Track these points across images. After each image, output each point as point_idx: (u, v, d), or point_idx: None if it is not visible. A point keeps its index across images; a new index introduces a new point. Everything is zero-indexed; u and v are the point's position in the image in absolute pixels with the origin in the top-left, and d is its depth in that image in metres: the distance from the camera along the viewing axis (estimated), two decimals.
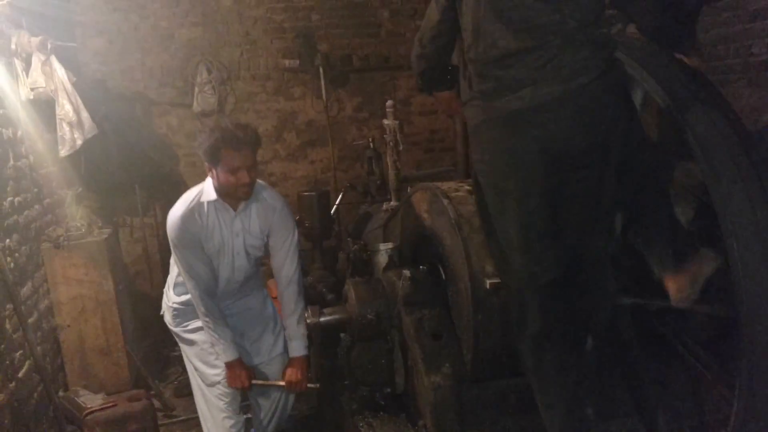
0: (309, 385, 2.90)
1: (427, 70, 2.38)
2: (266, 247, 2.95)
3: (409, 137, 5.65)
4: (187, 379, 4.68)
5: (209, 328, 2.86)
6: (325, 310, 2.79)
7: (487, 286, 2.34)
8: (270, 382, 2.97)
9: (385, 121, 3.80)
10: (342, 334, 2.83)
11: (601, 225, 2.07)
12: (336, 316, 2.74)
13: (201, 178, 5.90)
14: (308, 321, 2.75)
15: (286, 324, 2.95)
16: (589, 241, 2.06)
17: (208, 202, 2.77)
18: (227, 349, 2.86)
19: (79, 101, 3.97)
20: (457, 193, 2.59)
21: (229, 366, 2.89)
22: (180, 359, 5.08)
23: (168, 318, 3.18)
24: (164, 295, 3.19)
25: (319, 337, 2.78)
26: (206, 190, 2.80)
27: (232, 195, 2.75)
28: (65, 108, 3.86)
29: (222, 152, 2.62)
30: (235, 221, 2.83)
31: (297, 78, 6.12)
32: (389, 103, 3.82)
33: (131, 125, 5.64)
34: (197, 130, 2.76)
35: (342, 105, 6.29)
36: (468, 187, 2.62)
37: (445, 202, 2.53)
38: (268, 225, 2.89)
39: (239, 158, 2.65)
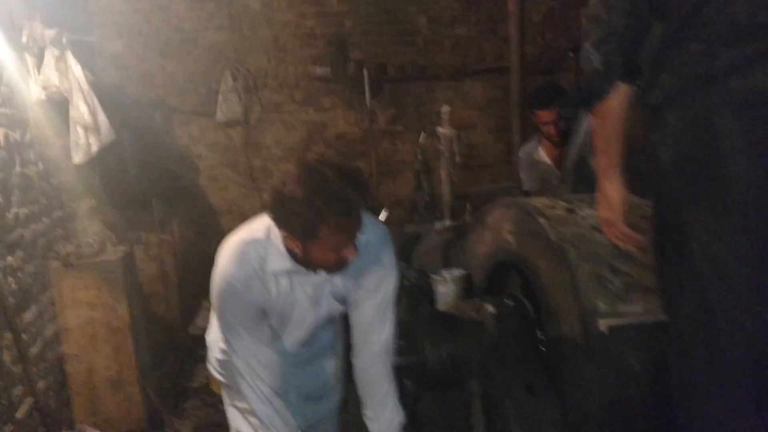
0: None
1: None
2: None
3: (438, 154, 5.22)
4: (209, 414, 4.22)
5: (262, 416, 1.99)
6: None
7: (603, 329, 1.86)
8: None
9: (440, 129, 3.35)
10: (406, 381, 2.35)
11: None
12: (403, 359, 2.26)
13: (223, 193, 5.67)
14: None
15: (371, 417, 2.08)
16: None
17: (277, 273, 1.88)
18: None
19: (96, 103, 3.55)
20: (554, 211, 2.12)
21: None
22: (200, 391, 4.64)
23: (216, 367, 2.32)
24: (210, 340, 2.32)
25: None
26: (271, 247, 1.85)
27: (319, 268, 1.87)
28: (80, 110, 3.43)
29: (322, 230, 1.68)
30: (318, 287, 1.96)
31: (327, 87, 5.71)
32: (445, 108, 3.37)
33: (150, 134, 5.23)
34: (279, 192, 1.70)
35: (374, 117, 5.86)
36: (567, 205, 2.16)
37: (543, 221, 2.06)
38: (361, 271, 1.94)
39: (349, 230, 1.73)
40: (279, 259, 1.85)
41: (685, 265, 1.55)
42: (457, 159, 3.34)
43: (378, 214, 3.82)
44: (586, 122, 2.94)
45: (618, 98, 1.73)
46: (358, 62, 5.60)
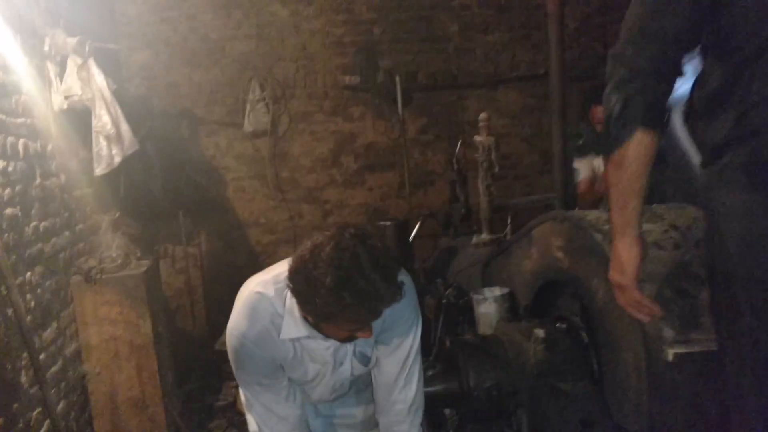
0: None
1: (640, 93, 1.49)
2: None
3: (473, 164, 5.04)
4: None
5: None
6: (428, 379, 2.12)
7: (670, 358, 1.65)
8: None
9: (477, 138, 3.18)
10: (447, 411, 2.16)
11: None
12: (443, 386, 2.07)
13: (251, 205, 5.53)
14: None
15: None
16: None
17: (293, 340, 1.76)
18: None
19: (119, 112, 3.42)
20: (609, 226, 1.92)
21: None
22: (226, 410, 4.49)
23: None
24: None
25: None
26: (286, 311, 1.71)
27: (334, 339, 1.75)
28: (103, 119, 3.31)
29: (342, 318, 1.57)
30: (337, 350, 1.82)
31: (356, 97, 5.56)
32: (483, 116, 3.20)
33: (176, 145, 5.13)
34: (306, 271, 1.53)
35: (405, 126, 5.69)
36: None
37: (599, 237, 1.86)
38: (383, 327, 1.79)
39: (368, 320, 1.62)
40: (293, 326, 1.72)
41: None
42: (496, 169, 3.16)
43: (411, 230, 3.65)
44: None
45: (637, 147, 1.50)
46: (388, 70, 5.46)
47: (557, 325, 1.97)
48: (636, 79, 1.48)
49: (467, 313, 2.52)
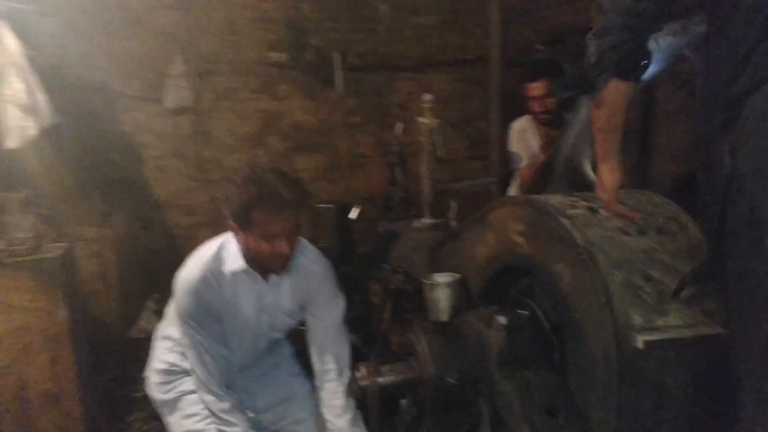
0: None
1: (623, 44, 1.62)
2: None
3: (408, 147, 4.98)
4: (153, 430, 3.85)
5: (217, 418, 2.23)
6: (384, 368, 2.02)
7: (640, 345, 1.63)
8: None
9: (421, 120, 3.09)
10: (403, 401, 2.08)
11: None
12: (401, 377, 1.99)
13: (170, 185, 5.25)
14: (362, 383, 1.98)
15: (332, 426, 2.30)
16: None
17: (233, 273, 2.18)
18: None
19: (35, 81, 3.11)
20: (575, 211, 1.89)
21: None
22: (146, 401, 4.22)
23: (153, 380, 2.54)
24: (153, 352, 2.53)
25: (378, 406, 2.01)
26: (229, 253, 2.20)
27: (263, 266, 2.17)
28: (14, 87, 3.01)
29: (254, 215, 2.02)
30: (264, 294, 2.26)
31: (284, 75, 5.36)
32: (427, 96, 3.11)
33: (90, 120, 4.79)
34: (226, 180, 2.24)
35: (333, 107, 5.55)
36: (587, 204, 1.93)
37: (566, 222, 1.82)
38: (305, 296, 2.31)
39: (279, 223, 2.04)
40: (234, 260, 2.18)
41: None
42: (439, 153, 3.09)
43: (348, 210, 3.54)
44: (580, 122, 2.75)
45: (613, 93, 1.70)
46: (317, 49, 5.31)
47: (519, 312, 1.92)
48: (609, 32, 1.61)
49: (417, 299, 2.44)
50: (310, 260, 2.30)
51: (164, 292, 5.05)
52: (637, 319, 1.68)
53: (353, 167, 5.61)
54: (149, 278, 4.99)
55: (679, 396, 1.70)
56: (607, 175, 1.83)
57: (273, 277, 2.24)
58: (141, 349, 4.82)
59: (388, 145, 5.76)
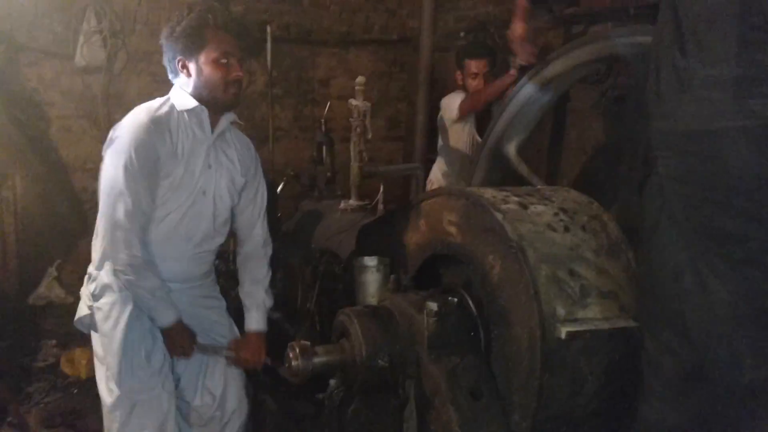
0: (266, 360, 2.44)
1: None
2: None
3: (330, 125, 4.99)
4: (60, 400, 3.74)
5: (141, 287, 2.18)
6: (318, 349, 2.06)
7: (563, 336, 1.75)
8: (217, 345, 2.45)
9: (353, 101, 3.11)
10: (331, 381, 2.13)
11: None
12: (334, 357, 2.03)
13: (77, 147, 5.02)
14: (296, 363, 2.01)
15: (247, 291, 2.50)
16: None
17: (183, 112, 2.22)
18: (167, 309, 2.25)
19: None
20: (507, 206, 1.98)
21: (169, 332, 2.28)
22: (46, 371, 4.07)
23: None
24: (87, 284, 2.32)
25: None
26: (177, 98, 2.24)
27: (217, 97, 2.22)
28: None
29: (208, 33, 2.17)
30: (211, 150, 2.30)
31: None
32: (360, 79, 3.13)
33: None
34: (167, 22, 2.30)
35: (253, 78, 5.45)
36: (519, 200, 2.02)
37: (498, 216, 1.91)
38: (247, 166, 2.45)
39: (232, 41, 2.22)
40: (183, 101, 2.21)
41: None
42: (369, 135, 3.13)
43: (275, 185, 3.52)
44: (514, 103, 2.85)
45: None
46: (240, 16, 5.16)
47: (449, 298, 2.00)
48: None
49: (344, 280, 2.49)
50: (244, 138, 2.51)
51: (67, 258, 4.88)
52: (561, 311, 1.80)
53: (270, 140, 5.55)
54: (51, 244, 4.77)
55: (594, 383, 1.84)
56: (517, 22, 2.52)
57: (222, 124, 2.29)
58: (41, 317, 4.64)
59: (308, 120, 5.78)
